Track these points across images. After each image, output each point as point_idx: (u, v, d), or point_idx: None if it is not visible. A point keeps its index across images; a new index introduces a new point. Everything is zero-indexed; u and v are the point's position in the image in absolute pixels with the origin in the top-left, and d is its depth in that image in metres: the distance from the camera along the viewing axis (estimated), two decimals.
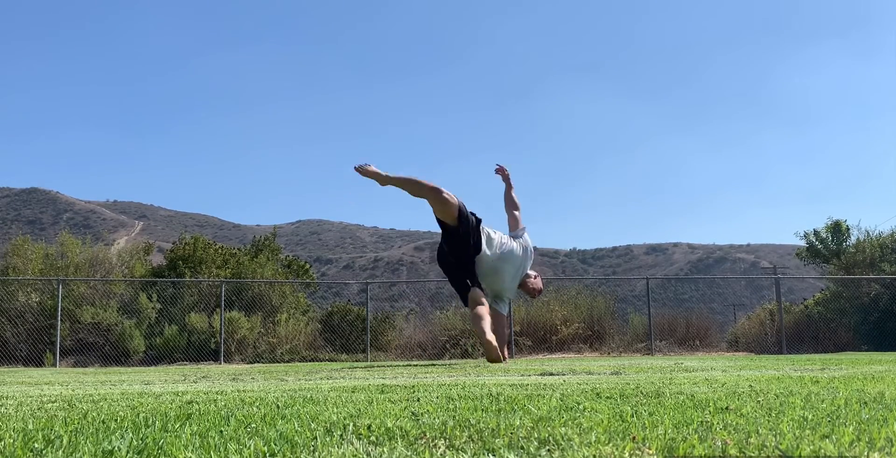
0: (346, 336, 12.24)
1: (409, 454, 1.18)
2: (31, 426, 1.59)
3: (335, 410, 1.85)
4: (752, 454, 1.14)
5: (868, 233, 15.72)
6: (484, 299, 5.13)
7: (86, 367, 9.95)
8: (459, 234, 5.04)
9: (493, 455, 1.16)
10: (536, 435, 1.31)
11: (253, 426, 1.53)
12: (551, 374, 3.67)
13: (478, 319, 4.98)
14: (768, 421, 1.49)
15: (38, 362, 10.71)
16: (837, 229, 17.63)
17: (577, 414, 1.64)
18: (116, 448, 1.25)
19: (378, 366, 6.13)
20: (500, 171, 5.98)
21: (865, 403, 1.83)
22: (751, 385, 2.52)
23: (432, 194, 4.98)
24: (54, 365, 10.34)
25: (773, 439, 1.25)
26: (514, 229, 5.60)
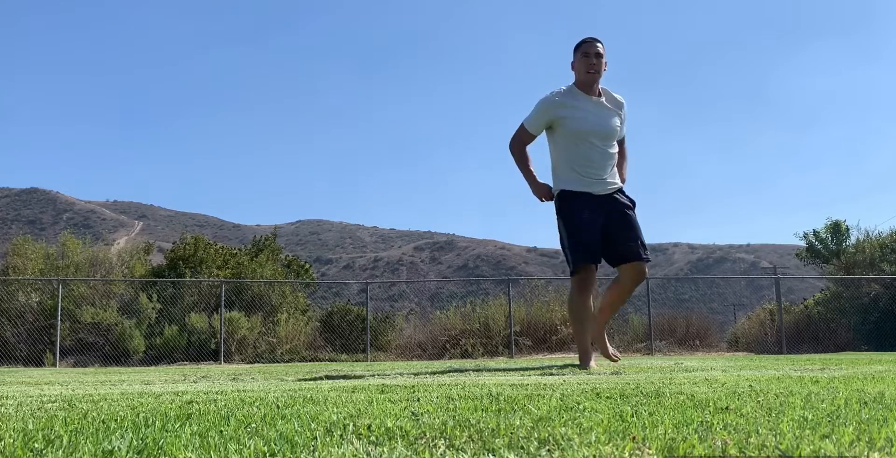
0: (346, 336, 12.25)
1: (409, 454, 1.18)
2: (31, 426, 1.59)
3: (335, 410, 1.85)
4: (752, 454, 1.14)
5: (868, 233, 15.74)
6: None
7: (86, 367, 9.95)
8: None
9: (493, 455, 1.16)
10: (536, 435, 1.31)
11: (253, 426, 1.53)
12: (551, 374, 3.67)
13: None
14: (768, 421, 1.48)
15: (38, 362, 10.71)
16: (837, 229, 17.65)
17: (577, 414, 1.63)
18: (116, 448, 1.25)
19: (378, 366, 6.13)
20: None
21: (865, 403, 1.83)
22: (751, 385, 2.52)
23: (578, 289, 4.41)
24: (54, 365, 10.34)
25: (773, 439, 1.25)
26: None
